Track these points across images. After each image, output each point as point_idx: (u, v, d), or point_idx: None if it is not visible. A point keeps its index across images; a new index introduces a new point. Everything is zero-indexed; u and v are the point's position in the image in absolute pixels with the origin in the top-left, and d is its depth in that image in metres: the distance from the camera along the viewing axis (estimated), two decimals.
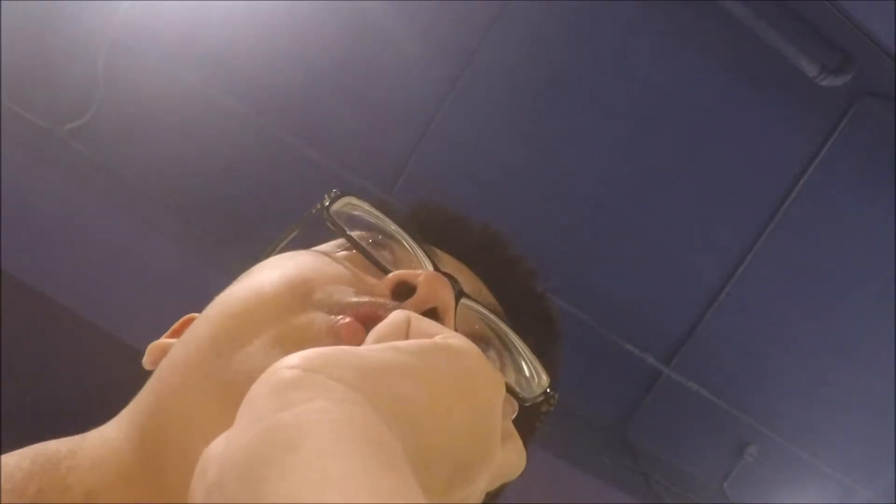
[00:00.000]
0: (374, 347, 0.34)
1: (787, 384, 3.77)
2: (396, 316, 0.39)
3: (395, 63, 3.16)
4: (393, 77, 3.20)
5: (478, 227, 0.60)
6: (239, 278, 0.51)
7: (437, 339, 0.37)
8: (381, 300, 0.44)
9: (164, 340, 0.52)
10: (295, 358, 0.31)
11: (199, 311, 0.50)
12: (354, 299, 0.44)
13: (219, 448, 0.28)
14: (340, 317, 0.42)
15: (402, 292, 0.45)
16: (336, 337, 0.41)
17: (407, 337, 0.37)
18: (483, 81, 3.23)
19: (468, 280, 0.53)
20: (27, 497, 0.39)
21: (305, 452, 0.26)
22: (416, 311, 0.42)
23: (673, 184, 3.49)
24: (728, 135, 3.43)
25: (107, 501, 0.40)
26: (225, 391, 0.40)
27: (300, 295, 0.44)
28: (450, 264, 0.54)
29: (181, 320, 0.55)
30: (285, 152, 3.11)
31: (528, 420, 0.51)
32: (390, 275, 0.46)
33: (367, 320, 0.42)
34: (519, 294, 0.57)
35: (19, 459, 0.41)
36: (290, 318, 0.42)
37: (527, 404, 0.50)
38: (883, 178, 3.38)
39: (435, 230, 0.57)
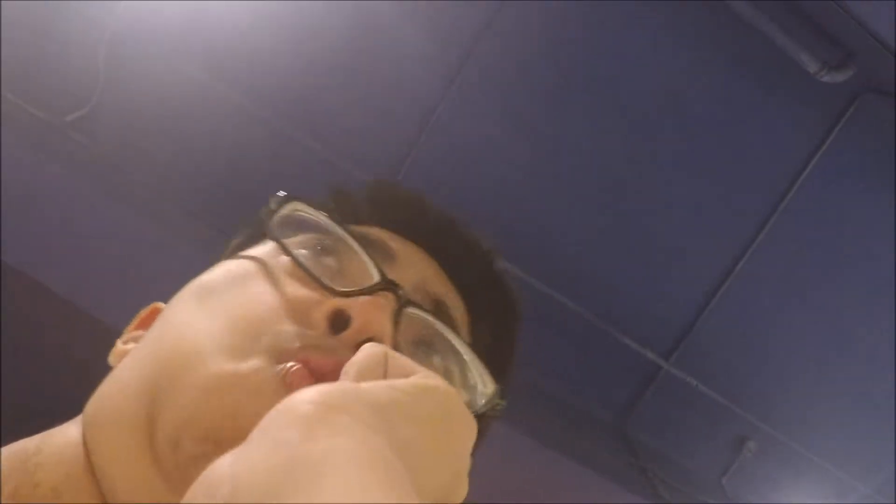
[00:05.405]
0: (375, 385, 0.35)
1: (786, 380, 3.77)
2: (374, 350, 0.38)
3: (396, 56, 3.16)
4: (395, 70, 3.19)
5: (435, 210, 0.60)
6: (188, 287, 0.49)
7: (419, 378, 0.37)
8: (320, 342, 0.44)
9: (122, 347, 0.53)
10: (313, 392, 0.31)
11: None
12: (297, 344, 0.43)
13: (225, 466, 0.29)
14: (290, 364, 0.42)
15: (340, 323, 0.45)
16: (287, 386, 0.40)
17: (386, 372, 0.38)
18: (484, 75, 3.22)
19: (421, 267, 0.54)
20: (6, 496, 0.40)
21: (335, 483, 0.27)
22: (353, 342, 0.43)
23: (674, 178, 3.49)
24: (729, 130, 3.42)
25: (70, 498, 0.41)
26: (149, 434, 0.40)
27: (241, 338, 0.43)
28: (405, 250, 0.54)
29: (148, 310, 0.56)
30: (287, 144, 3.11)
31: None
32: (325, 307, 0.45)
33: (311, 366, 0.42)
34: (477, 277, 0.58)
35: None
36: (231, 364, 0.41)
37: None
38: (883, 175, 3.37)
39: (392, 213, 0.58)
